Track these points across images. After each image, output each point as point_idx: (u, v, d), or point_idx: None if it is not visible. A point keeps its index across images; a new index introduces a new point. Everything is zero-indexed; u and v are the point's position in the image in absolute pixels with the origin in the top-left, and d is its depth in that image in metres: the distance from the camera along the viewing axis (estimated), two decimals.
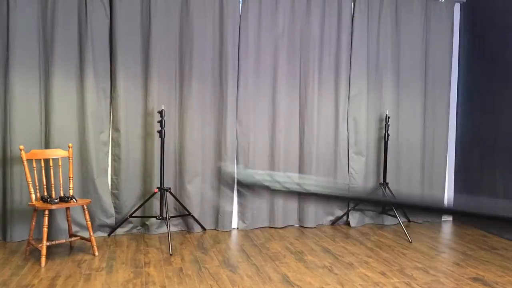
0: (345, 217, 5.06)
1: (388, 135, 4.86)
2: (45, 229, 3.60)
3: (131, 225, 4.52)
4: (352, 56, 4.94)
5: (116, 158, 4.44)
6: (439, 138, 5.20)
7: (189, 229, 4.63)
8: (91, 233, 3.86)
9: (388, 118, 4.83)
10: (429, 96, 5.17)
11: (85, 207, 3.83)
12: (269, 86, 4.77)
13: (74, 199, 3.75)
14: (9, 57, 4.06)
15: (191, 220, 4.58)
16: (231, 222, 4.75)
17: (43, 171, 3.96)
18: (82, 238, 3.97)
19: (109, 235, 4.42)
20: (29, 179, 3.78)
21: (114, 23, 4.32)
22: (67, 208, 3.99)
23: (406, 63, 5.08)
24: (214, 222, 4.73)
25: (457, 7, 5.29)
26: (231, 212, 4.73)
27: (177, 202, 4.53)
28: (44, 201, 3.74)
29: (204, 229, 4.65)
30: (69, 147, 4.02)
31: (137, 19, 4.41)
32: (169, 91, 4.51)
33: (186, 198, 4.55)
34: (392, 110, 5.02)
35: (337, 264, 3.73)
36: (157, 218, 4.33)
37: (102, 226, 4.40)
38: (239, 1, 4.65)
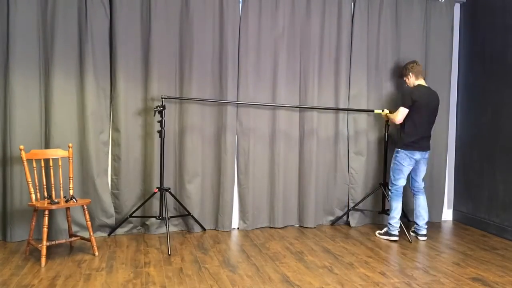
0: (345, 217, 5.06)
1: (388, 135, 4.86)
2: (45, 229, 3.60)
3: (131, 225, 4.52)
4: (352, 56, 4.94)
5: (116, 158, 4.44)
6: (439, 138, 5.20)
7: (189, 229, 4.63)
8: (91, 233, 3.86)
9: None
10: None
11: (85, 207, 3.83)
12: (269, 86, 4.77)
13: (74, 199, 3.76)
14: (9, 57, 4.06)
15: (191, 220, 4.58)
16: (231, 222, 4.75)
17: (43, 171, 3.96)
18: (82, 238, 3.97)
19: (109, 235, 4.43)
20: (29, 179, 3.78)
21: (114, 23, 4.32)
22: (67, 208, 3.99)
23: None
24: (214, 222, 4.74)
25: (457, 7, 5.29)
26: (231, 212, 4.73)
27: (177, 202, 4.53)
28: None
29: (204, 229, 4.65)
30: (69, 147, 4.02)
31: (137, 19, 4.40)
32: (169, 91, 4.50)
33: (186, 198, 4.55)
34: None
35: (337, 264, 3.73)
36: (157, 218, 4.33)
37: (102, 226, 4.41)
38: (239, 1, 4.64)
